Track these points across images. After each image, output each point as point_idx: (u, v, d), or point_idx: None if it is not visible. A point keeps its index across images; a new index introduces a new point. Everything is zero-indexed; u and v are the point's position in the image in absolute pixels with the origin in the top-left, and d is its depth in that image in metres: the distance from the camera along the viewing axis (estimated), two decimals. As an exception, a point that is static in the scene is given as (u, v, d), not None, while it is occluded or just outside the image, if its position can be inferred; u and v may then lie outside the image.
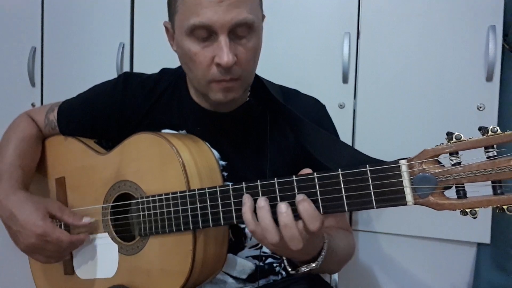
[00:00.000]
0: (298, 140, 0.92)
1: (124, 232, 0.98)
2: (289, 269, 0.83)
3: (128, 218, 0.96)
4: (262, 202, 0.73)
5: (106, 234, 0.99)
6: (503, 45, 1.37)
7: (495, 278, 1.39)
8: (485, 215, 1.38)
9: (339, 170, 0.69)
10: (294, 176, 0.72)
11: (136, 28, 1.70)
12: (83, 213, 1.02)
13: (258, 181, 0.75)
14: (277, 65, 1.51)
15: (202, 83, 0.90)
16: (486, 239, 1.40)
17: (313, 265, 0.79)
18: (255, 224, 0.74)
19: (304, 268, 0.80)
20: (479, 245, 1.44)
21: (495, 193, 0.61)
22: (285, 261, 0.84)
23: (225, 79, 0.87)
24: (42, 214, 0.94)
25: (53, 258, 0.98)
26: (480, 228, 1.40)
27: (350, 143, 1.50)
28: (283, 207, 0.71)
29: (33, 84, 1.83)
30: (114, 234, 0.98)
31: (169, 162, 0.89)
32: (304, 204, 0.69)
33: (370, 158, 0.76)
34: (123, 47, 1.70)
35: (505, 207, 0.60)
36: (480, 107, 1.37)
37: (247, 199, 0.75)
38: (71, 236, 0.96)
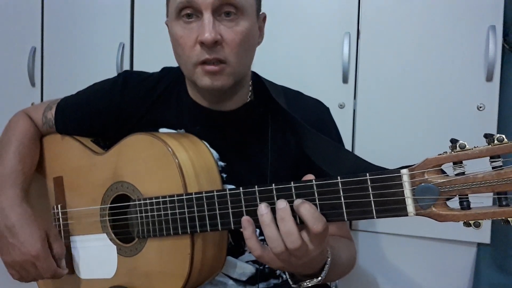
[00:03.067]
0: (300, 145, 0.91)
1: (123, 234, 0.97)
2: (291, 283, 0.81)
3: (127, 220, 0.95)
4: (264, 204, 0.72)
5: (105, 235, 0.98)
6: (503, 45, 1.38)
7: (495, 278, 1.40)
8: (485, 215, 1.38)
9: (339, 178, 0.67)
10: (292, 182, 0.71)
11: (136, 28, 1.71)
12: (82, 214, 1.02)
13: (256, 186, 0.74)
14: (277, 65, 1.51)
15: (189, 68, 0.87)
16: (486, 239, 1.40)
17: (316, 280, 0.78)
18: (262, 249, 0.72)
19: (307, 283, 0.79)
20: (479, 245, 1.44)
21: (500, 204, 0.59)
22: (287, 275, 0.82)
23: (209, 58, 0.83)
24: (42, 237, 0.94)
25: (26, 279, 0.98)
26: (480, 228, 1.40)
27: (350, 143, 1.50)
28: (279, 203, 0.70)
29: (33, 84, 1.84)
30: (113, 235, 0.97)
31: (165, 163, 0.87)
32: (305, 205, 0.68)
33: (373, 165, 0.74)
34: (123, 47, 1.70)
35: (510, 219, 0.58)
36: (480, 107, 1.37)
37: (247, 223, 0.73)
38: (56, 269, 0.96)
